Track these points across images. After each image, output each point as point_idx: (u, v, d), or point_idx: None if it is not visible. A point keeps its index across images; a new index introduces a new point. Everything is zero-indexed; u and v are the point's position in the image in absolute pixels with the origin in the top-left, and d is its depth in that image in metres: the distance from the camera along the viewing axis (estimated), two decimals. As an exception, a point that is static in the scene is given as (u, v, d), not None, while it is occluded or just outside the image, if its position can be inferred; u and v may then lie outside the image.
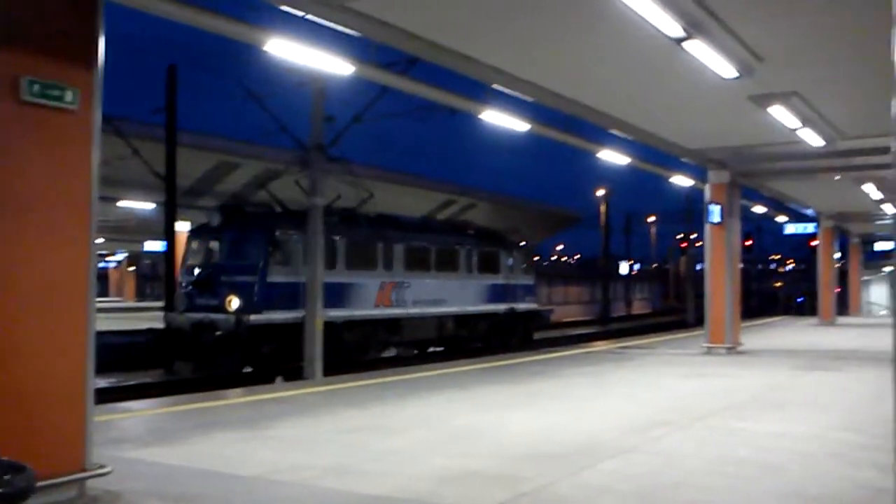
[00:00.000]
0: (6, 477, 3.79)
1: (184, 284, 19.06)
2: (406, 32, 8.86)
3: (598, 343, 21.50)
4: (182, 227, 26.79)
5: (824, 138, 14.12)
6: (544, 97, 11.74)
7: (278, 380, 16.98)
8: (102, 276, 66.11)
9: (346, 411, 9.16)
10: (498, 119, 12.70)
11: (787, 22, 8.67)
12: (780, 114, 12.27)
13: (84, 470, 5.37)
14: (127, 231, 36.25)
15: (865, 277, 39.13)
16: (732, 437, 7.51)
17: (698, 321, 32.18)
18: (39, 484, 4.29)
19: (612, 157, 16.60)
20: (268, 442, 7.35)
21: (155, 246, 37.57)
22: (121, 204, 26.58)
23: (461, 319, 23.98)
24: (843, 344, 19.44)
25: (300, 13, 7.67)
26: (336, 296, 19.41)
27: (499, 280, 25.93)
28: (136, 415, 9.14)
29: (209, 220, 19.83)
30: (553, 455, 6.70)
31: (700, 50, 8.71)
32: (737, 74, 9.66)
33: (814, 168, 17.86)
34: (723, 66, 9.45)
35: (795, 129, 13.22)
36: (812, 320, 31.85)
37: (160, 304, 24.99)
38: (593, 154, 16.44)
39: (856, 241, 36.91)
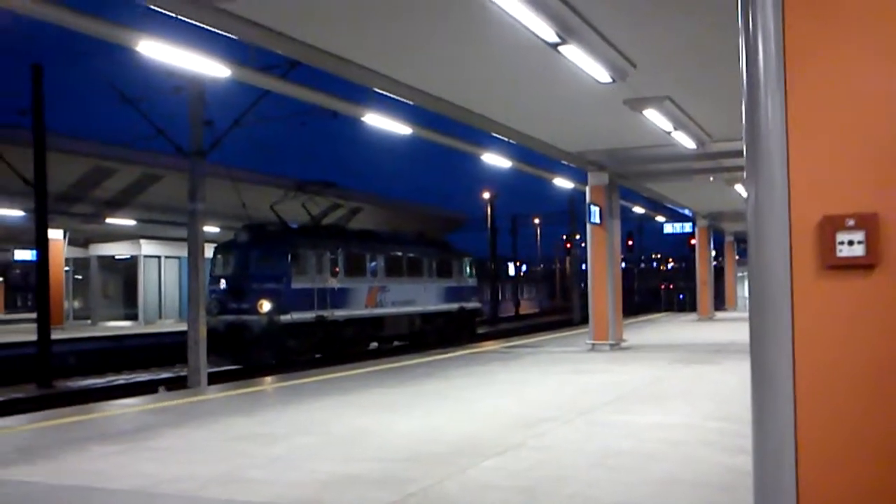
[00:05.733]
0: None
1: (213, 292, 21.91)
2: (281, 35, 8.72)
3: (487, 343, 21.74)
4: (55, 234, 25.70)
5: (696, 141, 14.68)
6: (424, 100, 11.75)
7: (161, 389, 16.54)
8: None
9: (230, 419, 8.97)
10: (380, 122, 12.68)
11: (654, 28, 8.96)
12: (654, 117, 12.68)
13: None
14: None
15: (740, 273, 40.81)
16: (614, 430, 7.71)
17: (584, 319, 32.97)
18: None
19: (496, 160, 16.84)
20: (148, 453, 7.10)
21: (26, 255, 35.53)
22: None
23: (425, 317, 28.61)
24: (719, 338, 20.24)
25: (171, 14, 7.43)
26: (339, 299, 23.66)
27: (452, 283, 30.77)
28: (2, 432, 8.67)
29: (235, 237, 23.37)
30: (439, 455, 6.74)
31: (575, 55, 8.88)
32: (611, 79, 9.91)
33: (688, 170, 18.55)
34: (598, 71, 9.66)
35: (669, 132, 13.68)
36: (692, 316, 33.08)
37: (33, 315, 23.92)
38: (477, 157, 16.64)
39: (730, 239, 38.51)
